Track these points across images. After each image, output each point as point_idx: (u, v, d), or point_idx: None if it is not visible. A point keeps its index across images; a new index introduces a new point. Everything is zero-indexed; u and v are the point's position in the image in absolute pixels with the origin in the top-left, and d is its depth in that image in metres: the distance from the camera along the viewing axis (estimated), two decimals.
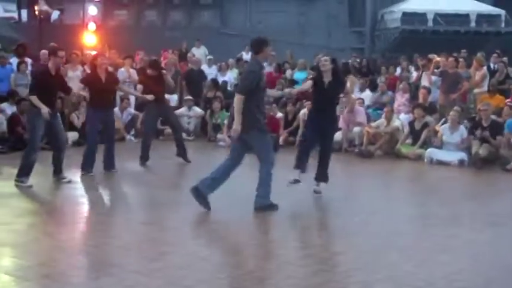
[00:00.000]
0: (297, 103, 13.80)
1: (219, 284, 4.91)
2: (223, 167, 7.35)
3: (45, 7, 31.37)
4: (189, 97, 14.94)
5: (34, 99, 8.49)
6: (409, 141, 12.24)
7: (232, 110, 10.17)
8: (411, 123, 12.34)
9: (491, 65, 15.26)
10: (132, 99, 14.45)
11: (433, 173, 10.95)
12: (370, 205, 7.92)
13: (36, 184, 8.60)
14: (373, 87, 15.49)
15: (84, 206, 7.73)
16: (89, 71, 13.47)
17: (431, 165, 11.37)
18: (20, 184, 8.46)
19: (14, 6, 37.82)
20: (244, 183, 7.76)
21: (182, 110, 14.35)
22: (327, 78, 8.22)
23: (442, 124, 12.19)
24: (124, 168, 10.01)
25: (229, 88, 16.16)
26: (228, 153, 7.67)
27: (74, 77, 13.13)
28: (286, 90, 10.12)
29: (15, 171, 8.63)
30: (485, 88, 13.84)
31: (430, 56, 14.97)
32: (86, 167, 9.51)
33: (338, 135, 12.92)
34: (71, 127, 12.73)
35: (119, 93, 13.12)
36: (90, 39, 19.42)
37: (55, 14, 36.38)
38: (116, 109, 12.99)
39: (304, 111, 12.57)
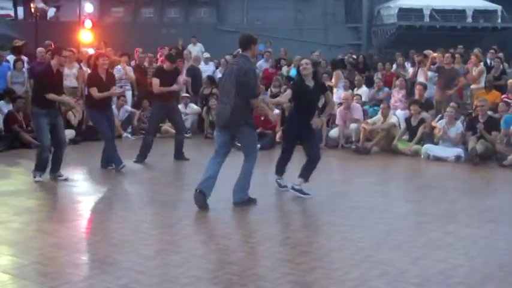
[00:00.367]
0: None
1: (216, 282, 4.92)
2: (217, 164, 7.35)
3: (41, 5, 31.39)
4: (186, 94, 14.95)
5: (52, 97, 8.61)
6: (405, 137, 12.26)
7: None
8: (408, 120, 12.35)
9: (488, 61, 15.27)
10: (129, 96, 14.44)
11: (429, 169, 10.97)
12: (366, 201, 7.93)
13: (33, 182, 8.69)
14: (370, 84, 15.48)
15: (81, 204, 7.73)
16: (84, 69, 13.51)
17: (428, 161, 11.39)
18: (33, 179, 8.73)
19: (10, 4, 37.79)
20: None
21: (179, 107, 14.31)
22: (309, 82, 8.00)
23: (439, 120, 12.21)
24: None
25: None
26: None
27: (70, 74, 13.11)
28: (266, 98, 10.05)
29: (11, 169, 8.65)
30: (482, 84, 13.84)
31: (426, 52, 14.96)
32: (117, 161, 9.63)
33: (335, 132, 12.96)
34: (68, 125, 12.70)
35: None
36: (86, 36, 19.33)
37: (51, 12, 36.35)
38: (113, 107, 12.95)
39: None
